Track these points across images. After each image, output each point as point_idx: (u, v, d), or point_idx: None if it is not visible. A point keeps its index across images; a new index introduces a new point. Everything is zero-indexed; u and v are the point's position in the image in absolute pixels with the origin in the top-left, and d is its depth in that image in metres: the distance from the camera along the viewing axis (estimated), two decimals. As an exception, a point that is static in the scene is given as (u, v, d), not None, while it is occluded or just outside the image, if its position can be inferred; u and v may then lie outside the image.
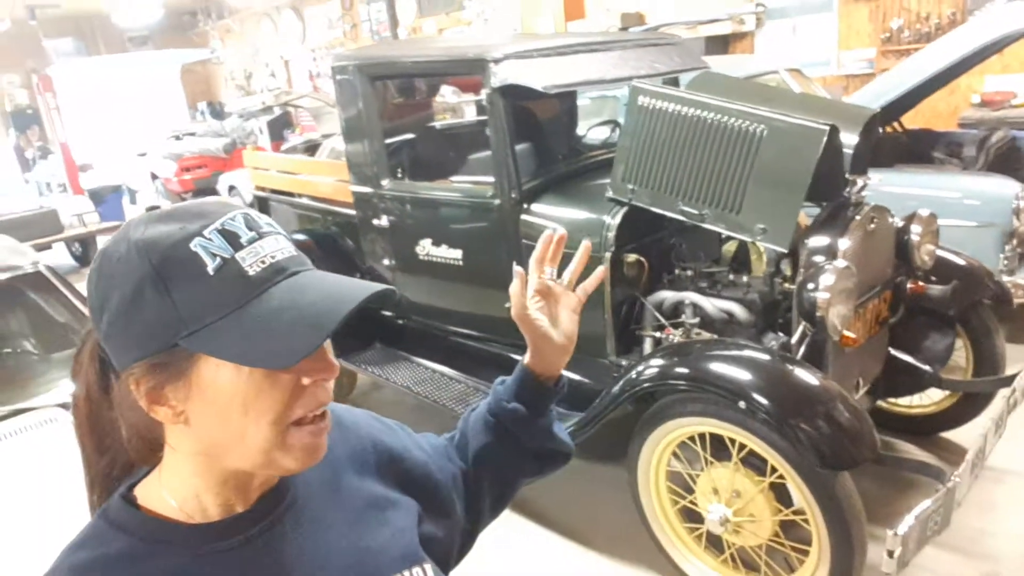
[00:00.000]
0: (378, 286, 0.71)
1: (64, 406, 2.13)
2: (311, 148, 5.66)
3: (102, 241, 7.72)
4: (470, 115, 4.66)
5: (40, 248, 6.90)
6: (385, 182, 3.24)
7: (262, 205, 4.39)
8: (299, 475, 0.79)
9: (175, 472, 0.74)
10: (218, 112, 13.05)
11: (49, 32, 13.53)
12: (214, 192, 9.65)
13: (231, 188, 8.76)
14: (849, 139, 2.48)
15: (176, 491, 0.74)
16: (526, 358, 0.97)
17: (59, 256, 8.09)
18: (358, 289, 0.70)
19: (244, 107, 11.10)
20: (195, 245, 0.67)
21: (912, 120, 4.73)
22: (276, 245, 0.70)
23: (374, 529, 0.83)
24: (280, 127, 10.63)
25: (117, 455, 0.78)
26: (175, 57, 14.32)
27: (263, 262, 0.68)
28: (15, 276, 2.61)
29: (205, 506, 0.74)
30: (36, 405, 2.13)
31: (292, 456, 0.71)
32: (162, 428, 0.73)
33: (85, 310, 2.62)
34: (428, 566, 0.84)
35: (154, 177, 11.42)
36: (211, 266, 0.66)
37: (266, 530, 0.75)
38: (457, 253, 3.05)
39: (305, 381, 0.69)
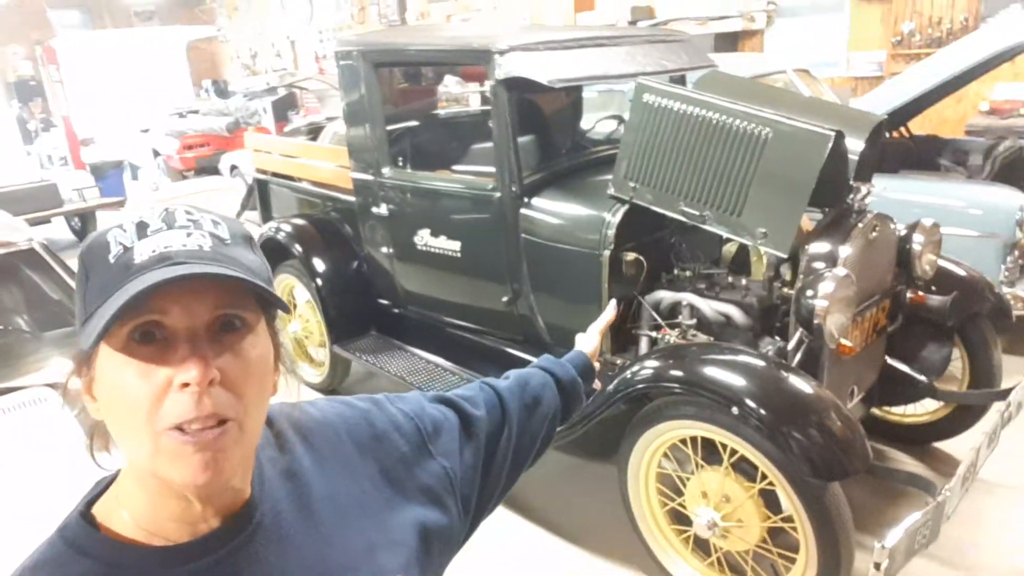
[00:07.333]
0: (208, 271, 0.64)
1: (53, 386, 2.11)
2: (314, 130, 5.60)
3: (102, 216, 7.68)
4: (475, 103, 4.62)
5: (39, 222, 6.83)
6: (386, 170, 3.21)
7: (262, 188, 4.36)
8: (266, 492, 0.76)
9: (126, 486, 0.71)
10: (222, 90, 12.97)
11: (54, 3, 13.44)
12: (216, 171, 9.59)
13: (233, 168, 8.70)
14: (855, 145, 2.45)
15: (132, 509, 0.70)
16: (585, 348, 1.27)
17: (58, 230, 8.03)
18: (191, 270, 0.63)
19: (249, 87, 11.04)
20: (110, 235, 0.67)
21: (919, 126, 4.70)
22: (181, 238, 0.66)
23: (349, 541, 0.80)
24: (284, 108, 10.58)
25: None
26: (181, 33, 14.21)
27: (153, 251, 0.65)
28: (9, 252, 2.59)
29: (161, 524, 0.70)
30: (25, 384, 2.11)
31: (173, 466, 0.64)
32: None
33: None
34: None
35: (156, 154, 11.37)
36: (112, 254, 0.65)
37: (234, 552, 0.71)
38: (455, 244, 3.02)
39: (176, 381, 0.63)
